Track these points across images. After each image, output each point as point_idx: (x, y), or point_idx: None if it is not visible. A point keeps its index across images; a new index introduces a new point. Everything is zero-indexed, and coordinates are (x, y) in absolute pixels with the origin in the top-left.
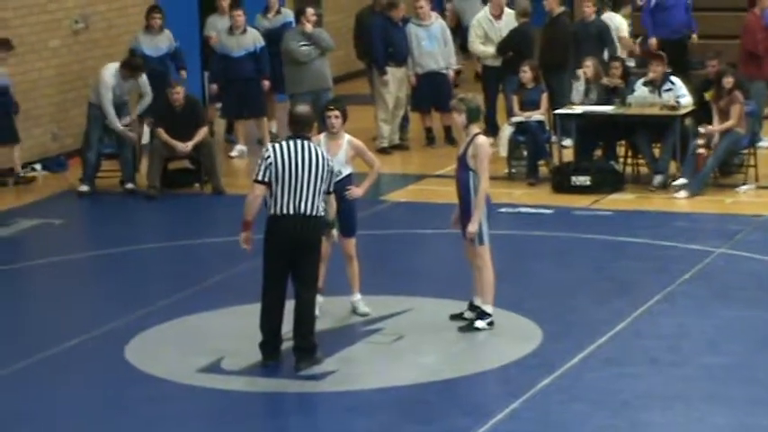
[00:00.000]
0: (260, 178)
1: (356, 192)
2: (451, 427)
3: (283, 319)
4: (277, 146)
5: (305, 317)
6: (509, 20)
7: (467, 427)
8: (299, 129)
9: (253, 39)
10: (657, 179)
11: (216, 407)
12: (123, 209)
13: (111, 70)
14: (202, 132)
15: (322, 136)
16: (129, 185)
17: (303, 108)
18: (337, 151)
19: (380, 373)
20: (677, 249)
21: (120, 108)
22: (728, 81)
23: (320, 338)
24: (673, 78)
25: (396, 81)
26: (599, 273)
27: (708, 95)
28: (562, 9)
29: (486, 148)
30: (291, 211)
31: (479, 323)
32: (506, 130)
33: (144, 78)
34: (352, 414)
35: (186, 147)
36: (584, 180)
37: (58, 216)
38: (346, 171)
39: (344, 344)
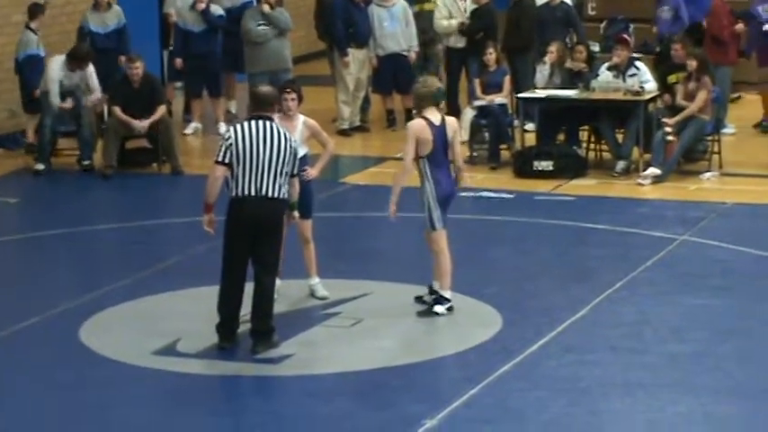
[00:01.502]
0: (220, 159)
1: (311, 173)
2: (410, 412)
3: (242, 302)
4: (239, 126)
5: (264, 300)
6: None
7: (425, 412)
8: (262, 109)
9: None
10: (620, 165)
11: (171, 389)
12: (79, 188)
13: (57, 62)
14: (160, 111)
15: (276, 117)
16: (86, 162)
17: (266, 88)
18: (293, 132)
19: (338, 358)
20: (640, 236)
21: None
22: (692, 64)
23: (277, 322)
24: (637, 63)
25: (357, 62)
26: (560, 259)
27: (672, 78)
28: None
29: (410, 130)
30: (253, 193)
31: (438, 308)
32: (468, 114)
33: (91, 70)
34: (309, 398)
35: (143, 125)
36: (546, 165)
37: (13, 195)
38: (302, 152)
39: (302, 327)
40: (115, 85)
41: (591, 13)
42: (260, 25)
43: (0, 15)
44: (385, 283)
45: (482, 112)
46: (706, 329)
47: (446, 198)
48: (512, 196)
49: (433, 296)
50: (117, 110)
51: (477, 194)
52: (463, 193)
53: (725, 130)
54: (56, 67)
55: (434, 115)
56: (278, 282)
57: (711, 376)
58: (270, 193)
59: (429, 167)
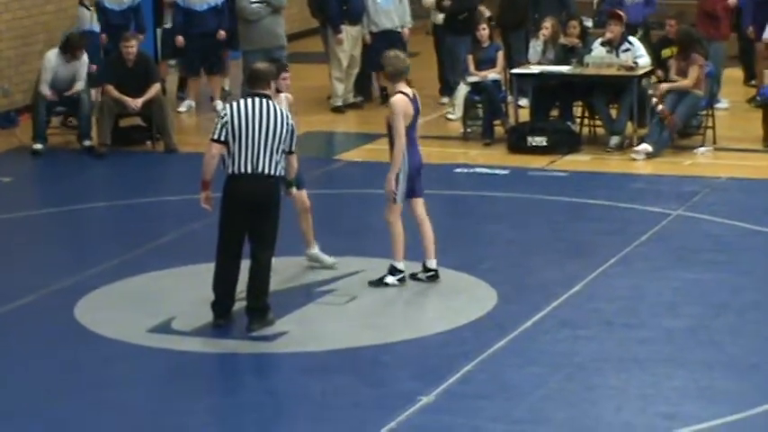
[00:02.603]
0: (216, 137)
1: None
2: (405, 388)
3: (238, 279)
4: (234, 104)
5: (260, 278)
6: None
7: (420, 389)
8: (258, 86)
9: None
10: (614, 140)
11: (166, 367)
12: (73, 167)
13: (52, 55)
14: (154, 89)
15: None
16: (87, 142)
17: (262, 65)
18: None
19: (333, 335)
20: (634, 211)
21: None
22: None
23: (272, 299)
24: (631, 39)
25: (350, 39)
26: (554, 234)
27: (666, 53)
28: None
29: (398, 106)
30: (249, 170)
31: (389, 279)
32: (461, 90)
33: (84, 60)
34: (305, 376)
35: (137, 103)
36: (540, 140)
37: (7, 174)
38: None
39: (297, 305)
40: (109, 64)
41: None
42: (254, 3)
43: None
44: (379, 260)
45: (475, 88)
46: (700, 304)
47: (417, 170)
48: (506, 172)
49: (428, 273)
50: (111, 88)
51: (472, 170)
52: (457, 170)
53: (719, 105)
54: (51, 57)
55: (407, 89)
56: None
57: (706, 351)
58: (266, 171)
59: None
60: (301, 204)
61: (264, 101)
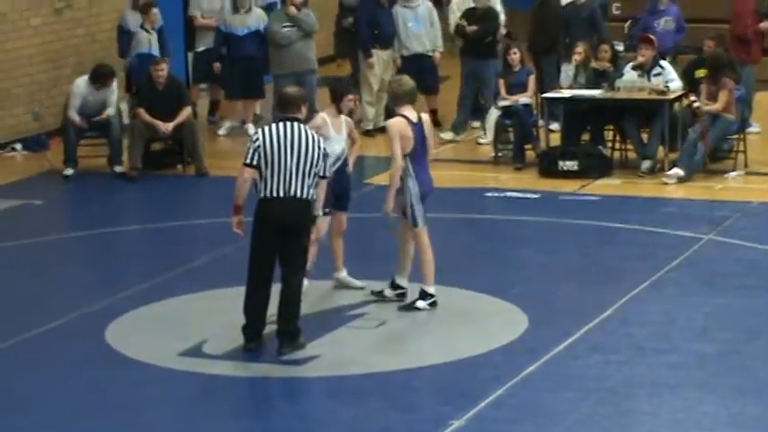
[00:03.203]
0: (248, 161)
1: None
2: (437, 413)
3: (269, 303)
4: (266, 128)
5: (291, 301)
6: None
7: (452, 413)
8: (289, 110)
9: (257, 18)
10: (645, 164)
11: (197, 391)
12: (104, 190)
13: (81, 82)
14: (185, 113)
15: (326, 116)
16: (118, 168)
17: (293, 89)
18: (341, 129)
19: (364, 359)
20: (665, 236)
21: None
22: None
23: (303, 323)
24: (662, 63)
25: (381, 63)
26: (586, 259)
27: (700, 73)
28: None
29: (394, 129)
30: (281, 194)
31: (420, 303)
32: (493, 114)
33: (113, 87)
34: (336, 400)
35: (167, 127)
36: (571, 165)
37: (39, 197)
38: (340, 148)
39: (328, 329)
40: (140, 88)
41: (615, 12)
42: (285, 27)
43: (20, 18)
44: (409, 284)
45: (507, 112)
46: (731, 329)
47: (426, 194)
48: (537, 196)
49: (397, 291)
50: (142, 112)
51: (503, 194)
52: (488, 194)
53: (750, 129)
54: (81, 84)
55: (411, 113)
56: (305, 282)
57: (737, 376)
58: (298, 194)
59: (411, 165)
60: (338, 226)
61: (296, 125)
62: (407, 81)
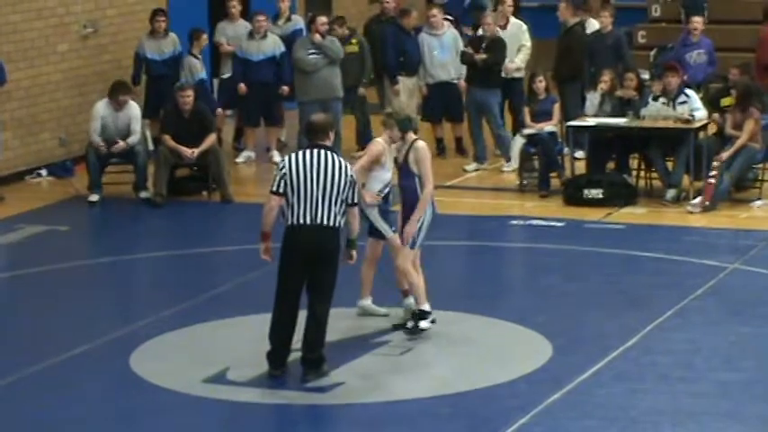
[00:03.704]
0: (275, 189)
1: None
2: None
3: (294, 330)
4: (293, 156)
5: (316, 329)
6: (513, 30)
7: None
8: (316, 137)
9: (273, 44)
10: (670, 193)
11: (221, 418)
12: (129, 216)
13: (100, 105)
14: (210, 139)
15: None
16: (144, 194)
17: (320, 116)
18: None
19: (388, 387)
20: (690, 264)
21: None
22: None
23: (327, 350)
24: (687, 91)
25: (406, 91)
26: (610, 287)
27: (725, 101)
28: (577, 19)
29: (426, 152)
30: (308, 222)
31: (423, 324)
32: (518, 142)
33: (136, 113)
34: (359, 428)
35: (192, 154)
36: (596, 193)
37: (64, 223)
38: (388, 176)
39: (352, 356)
40: (166, 114)
41: (641, 41)
42: (311, 54)
43: (46, 44)
44: (433, 312)
45: (531, 140)
46: (757, 358)
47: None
48: (562, 224)
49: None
50: (168, 138)
51: (527, 222)
52: (513, 221)
53: None
54: (99, 107)
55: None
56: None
57: (762, 405)
58: (325, 222)
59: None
60: (373, 253)
61: (323, 152)
62: (401, 111)
